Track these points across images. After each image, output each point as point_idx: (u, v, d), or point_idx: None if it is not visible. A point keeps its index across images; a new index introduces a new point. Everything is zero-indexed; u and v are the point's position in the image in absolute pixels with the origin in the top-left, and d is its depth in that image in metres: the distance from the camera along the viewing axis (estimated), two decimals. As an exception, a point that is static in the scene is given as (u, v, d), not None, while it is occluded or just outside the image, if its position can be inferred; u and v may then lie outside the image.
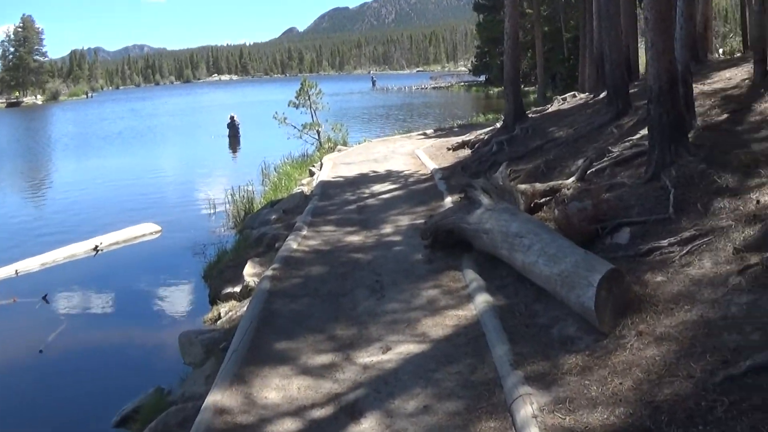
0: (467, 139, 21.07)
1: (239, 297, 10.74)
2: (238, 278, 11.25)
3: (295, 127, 27.58)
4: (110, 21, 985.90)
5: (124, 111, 78.95)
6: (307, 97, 28.25)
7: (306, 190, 18.51)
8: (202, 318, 10.85)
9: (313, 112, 28.43)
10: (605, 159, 11.70)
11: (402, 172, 18.46)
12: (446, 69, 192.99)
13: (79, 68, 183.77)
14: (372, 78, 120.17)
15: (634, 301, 6.40)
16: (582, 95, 24.05)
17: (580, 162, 12.43)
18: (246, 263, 11.58)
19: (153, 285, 13.56)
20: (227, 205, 19.00)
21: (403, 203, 14.22)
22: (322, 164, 21.63)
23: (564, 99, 24.01)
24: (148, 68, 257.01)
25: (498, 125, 21.58)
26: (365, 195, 15.61)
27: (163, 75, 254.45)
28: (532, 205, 10.41)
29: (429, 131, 29.97)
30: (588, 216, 8.77)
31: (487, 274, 8.77)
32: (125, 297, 12.98)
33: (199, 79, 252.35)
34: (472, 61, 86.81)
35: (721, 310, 5.79)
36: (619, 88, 14.52)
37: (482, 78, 78.86)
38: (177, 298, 12.74)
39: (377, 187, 16.37)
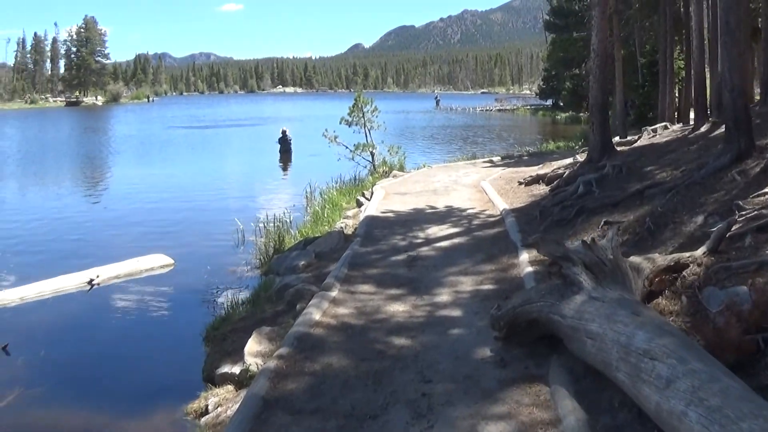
0: (542, 172, 18.07)
1: (237, 383, 7.91)
2: (241, 351, 8.41)
3: (346, 147, 24.74)
4: (179, 27, 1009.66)
5: (183, 117, 77.91)
6: (361, 115, 25.36)
7: (350, 224, 15.68)
8: (184, 408, 7.96)
9: (367, 131, 25.53)
10: (740, 221, 8.64)
11: (465, 210, 15.50)
12: (511, 91, 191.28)
13: (143, 72, 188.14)
14: (436, 97, 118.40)
15: None
16: (675, 127, 20.95)
17: (699, 219, 9.40)
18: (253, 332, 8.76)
19: (141, 341, 10.70)
20: (257, 236, 16.27)
21: (466, 257, 11.25)
22: (372, 193, 18.78)
23: (654, 131, 20.88)
24: (212, 76, 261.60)
25: (578, 158, 18.57)
26: (419, 241, 12.68)
27: (227, 84, 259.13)
28: (650, 286, 7.33)
29: (496, 158, 27.13)
30: (744, 319, 5.78)
31: (591, 400, 5.79)
32: (104, 357, 10.13)
33: (263, 90, 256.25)
34: (539, 85, 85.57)
35: None
36: (742, 121, 11.36)
37: (549, 102, 77.09)
38: (165, 368, 9.79)
39: (434, 230, 13.43)
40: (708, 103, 35.95)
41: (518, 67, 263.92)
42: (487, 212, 15.04)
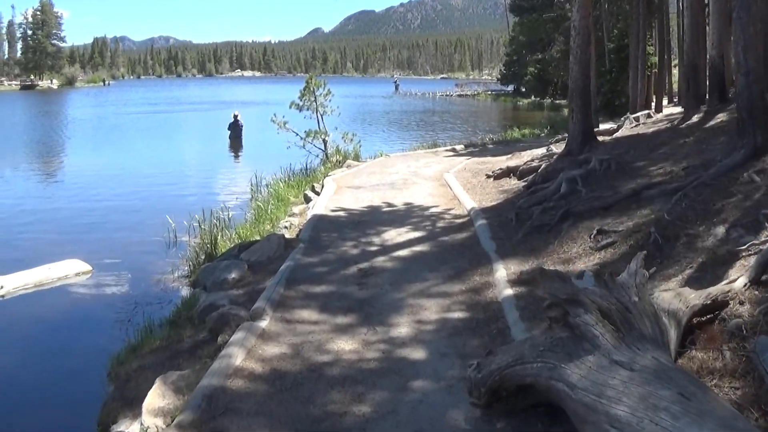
0: (513, 164, 16.19)
1: (131, 447, 5.98)
2: (143, 402, 6.42)
3: (296, 134, 22.60)
4: (138, 10, 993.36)
5: (137, 100, 75.40)
6: (312, 99, 23.15)
7: (296, 223, 13.70)
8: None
9: (319, 116, 23.35)
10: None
11: (427, 209, 13.54)
12: (471, 77, 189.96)
13: (100, 56, 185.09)
14: (395, 82, 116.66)
15: None
16: (660, 115, 19.22)
17: (719, 232, 7.62)
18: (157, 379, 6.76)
19: (33, 374, 8.55)
20: (191, 237, 14.20)
21: (429, 271, 9.30)
22: (323, 186, 16.74)
23: (636, 119, 19.11)
24: (170, 60, 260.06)
25: (553, 149, 16.71)
26: (373, 248, 10.69)
27: (185, 67, 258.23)
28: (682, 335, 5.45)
29: (459, 147, 25.24)
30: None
31: None
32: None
33: (221, 73, 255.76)
34: (500, 70, 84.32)
35: None
36: (759, 111, 9.52)
37: (510, 88, 76.15)
38: (54, 412, 7.73)
39: (391, 235, 11.44)
40: (674, 90, 34.49)
41: (478, 52, 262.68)
42: (452, 212, 13.10)
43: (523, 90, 69.72)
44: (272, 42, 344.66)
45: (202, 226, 14.11)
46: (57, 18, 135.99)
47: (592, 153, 13.19)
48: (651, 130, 16.25)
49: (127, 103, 71.02)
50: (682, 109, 17.98)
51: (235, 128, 33.27)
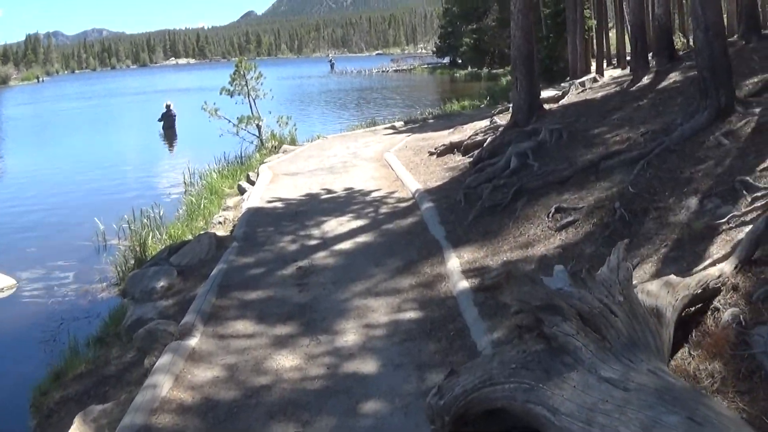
0: (456, 139, 15.38)
1: None
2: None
3: (229, 121, 21.49)
4: (71, 4, 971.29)
5: (71, 95, 73.23)
6: (243, 83, 22.04)
7: (230, 218, 12.72)
8: None
9: (251, 101, 22.24)
10: (755, 206, 6.22)
11: (369, 193, 12.68)
12: (406, 51, 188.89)
13: (34, 52, 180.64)
14: (330, 61, 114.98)
15: None
16: (605, 78, 18.62)
17: (692, 203, 6.96)
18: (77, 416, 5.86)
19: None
20: (119, 239, 13.17)
21: (375, 265, 8.46)
22: (258, 174, 15.77)
23: (582, 84, 18.39)
24: (104, 52, 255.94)
25: (498, 120, 15.92)
26: (313, 242, 9.80)
27: (119, 59, 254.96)
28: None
29: (398, 123, 24.23)
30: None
31: None
32: None
33: (155, 63, 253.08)
34: (435, 43, 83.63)
35: None
36: (722, 70, 8.82)
37: (446, 60, 75.54)
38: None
39: (332, 225, 10.56)
40: (611, 53, 34.03)
41: (412, 26, 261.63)
42: (396, 195, 12.25)
43: (460, 61, 69.11)
44: (205, 28, 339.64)
45: (132, 227, 13.10)
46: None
47: (540, 123, 12.44)
48: (599, 94, 15.53)
49: (62, 99, 68.56)
50: (629, 71, 17.44)
51: (168, 118, 31.79)
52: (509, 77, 42.35)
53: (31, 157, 28.31)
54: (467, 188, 10.59)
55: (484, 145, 13.14)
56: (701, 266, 5.60)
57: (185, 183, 18.06)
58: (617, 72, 23.91)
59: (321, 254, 9.13)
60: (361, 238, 9.70)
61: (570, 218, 7.90)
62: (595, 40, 28.84)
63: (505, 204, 9.17)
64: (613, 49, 33.65)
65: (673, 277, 4.90)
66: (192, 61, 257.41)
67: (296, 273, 8.48)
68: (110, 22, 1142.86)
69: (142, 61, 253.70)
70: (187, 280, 9.09)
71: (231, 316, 7.32)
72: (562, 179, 9.13)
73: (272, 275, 8.52)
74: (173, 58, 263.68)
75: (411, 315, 6.85)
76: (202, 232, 11.21)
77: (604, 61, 28.59)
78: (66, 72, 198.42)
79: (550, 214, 8.22)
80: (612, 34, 36.12)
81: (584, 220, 7.70)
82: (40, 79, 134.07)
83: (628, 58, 20.14)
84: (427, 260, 8.32)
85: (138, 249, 11.64)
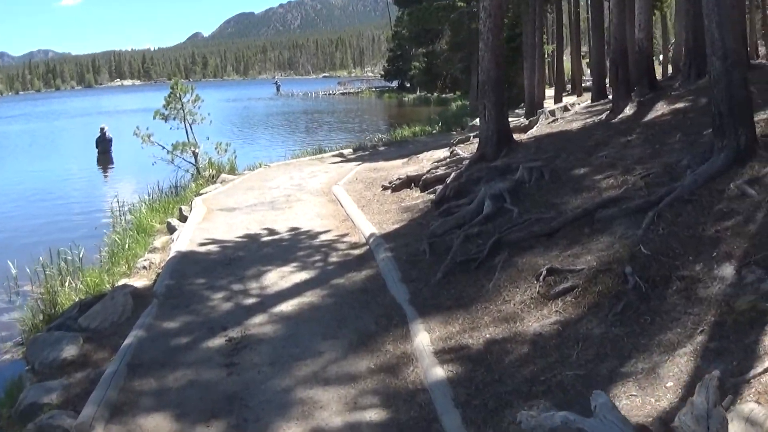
0: (412, 172, 13.80)
1: None
2: None
3: (163, 147, 19.68)
4: (17, 24, 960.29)
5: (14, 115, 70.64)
6: (179, 106, 20.23)
7: (156, 262, 10.93)
8: None
9: (188, 126, 20.42)
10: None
11: (317, 236, 11.02)
12: (353, 74, 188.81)
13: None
14: (276, 83, 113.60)
15: None
16: (578, 108, 17.21)
17: (728, 272, 5.55)
18: None
19: None
20: (33, 285, 11.33)
21: (323, 337, 6.80)
22: (191, 209, 14.04)
23: (552, 113, 16.96)
24: (49, 73, 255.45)
25: (458, 151, 14.48)
26: (249, 301, 8.09)
27: (64, 80, 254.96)
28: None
29: (346, 151, 22.74)
30: None
31: None
32: None
33: (100, 84, 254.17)
34: (383, 66, 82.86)
35: None
36: (741, 105, 7.33)
37: (394, 84, 74.94)
38: None
39: (273, 278, 8.87)
40: (565, 80, 33.08)
41: (360, 49, 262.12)
42: (347, 239, 10.60)
43: (408, 85, 68.50)
44: (152, 49, 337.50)
45: (47, 271, 11.31)
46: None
47: (512, 157, 10.94)
48: (575, 125, 14.04)
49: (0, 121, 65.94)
50: (597, 99, 16.16)
51: (103, 142, 29.72)
52: (459, 102, 41.34)
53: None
54: (433, 236, 8.98)
55: (448, 181, 11.53)
56: (760, 368, 4.15)
57: (113, 216, 16.25)
58: (573, 99, 22.80)
59: (257, 319, 7.43)
60: (307, 298, 8.02)
61: (567, 284, 6.32)
62: (555, 66, 27.71)
63: (480, 259, 7.56)
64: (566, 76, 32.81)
65: (756, 408, 3.36)
66: (137, 82, 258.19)
67: (226, 346, 6.78)
68: (57, 43, 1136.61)
69: (87, 82, 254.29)
70: (98, 349, 7.33)
71: (142, 407, 5.66)
72: (550, 231, 7.56)
73: (197, 348, 6.82)
74: (118, 80, 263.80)
75: (372, 416, 5.25)
76: (118, 285, 9.43)
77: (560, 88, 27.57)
78: (10, 93, 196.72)
79: (541, 277, 6.60)
80: (566, 59, 35.30)
81: (586, 288, 6.13)
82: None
83: (585, 84, 19.08)
84: (388, 333, 6.69)
85: (49, 301, 9.88)
